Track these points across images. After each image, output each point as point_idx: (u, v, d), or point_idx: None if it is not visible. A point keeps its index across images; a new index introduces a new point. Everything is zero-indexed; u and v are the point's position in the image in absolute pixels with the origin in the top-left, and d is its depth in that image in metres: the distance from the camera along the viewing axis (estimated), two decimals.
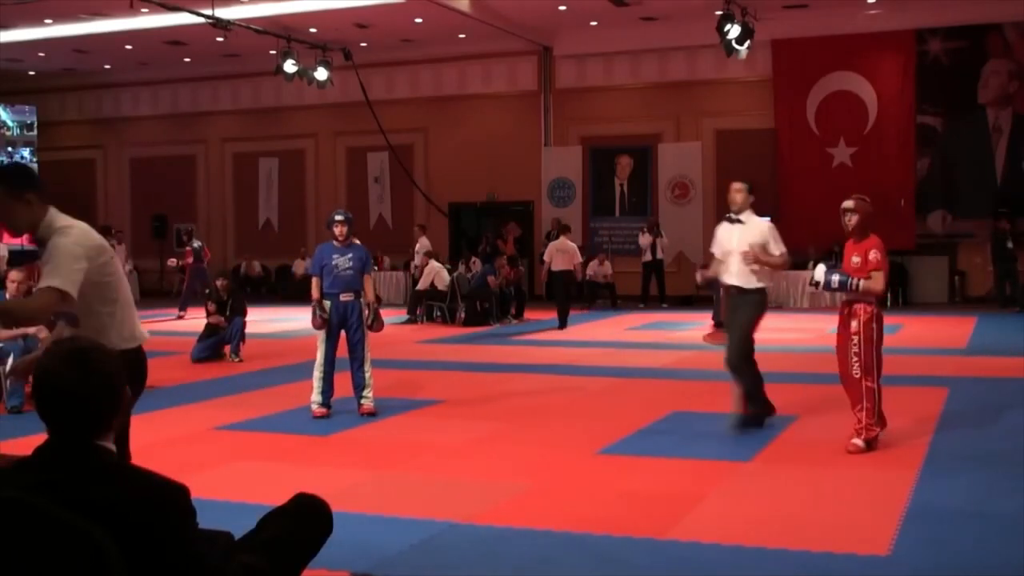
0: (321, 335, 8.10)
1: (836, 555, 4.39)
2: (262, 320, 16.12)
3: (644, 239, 18.43)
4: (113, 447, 2.53)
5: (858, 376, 6.45)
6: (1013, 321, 15.32)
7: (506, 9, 18.64)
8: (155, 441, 6.85)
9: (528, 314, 17.25)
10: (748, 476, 5.97)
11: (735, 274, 7.17)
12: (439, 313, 16.86)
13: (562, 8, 18.55)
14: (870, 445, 6.42)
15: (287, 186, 24.09)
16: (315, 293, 8.12)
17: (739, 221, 7.20)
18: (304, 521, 3.09)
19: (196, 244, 18.24)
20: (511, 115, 21.81)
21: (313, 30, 19.19)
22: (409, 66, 22.25)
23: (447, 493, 5.63)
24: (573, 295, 16.38)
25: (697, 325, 15.44)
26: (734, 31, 15.78)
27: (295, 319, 15.76)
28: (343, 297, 8.07)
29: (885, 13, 18.81)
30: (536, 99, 21.70)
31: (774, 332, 14.21)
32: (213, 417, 8.07)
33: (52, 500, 2.32)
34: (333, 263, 8.08)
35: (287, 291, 21.34)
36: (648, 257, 18.47)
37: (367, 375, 8.10)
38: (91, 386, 2.46)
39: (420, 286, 17.13)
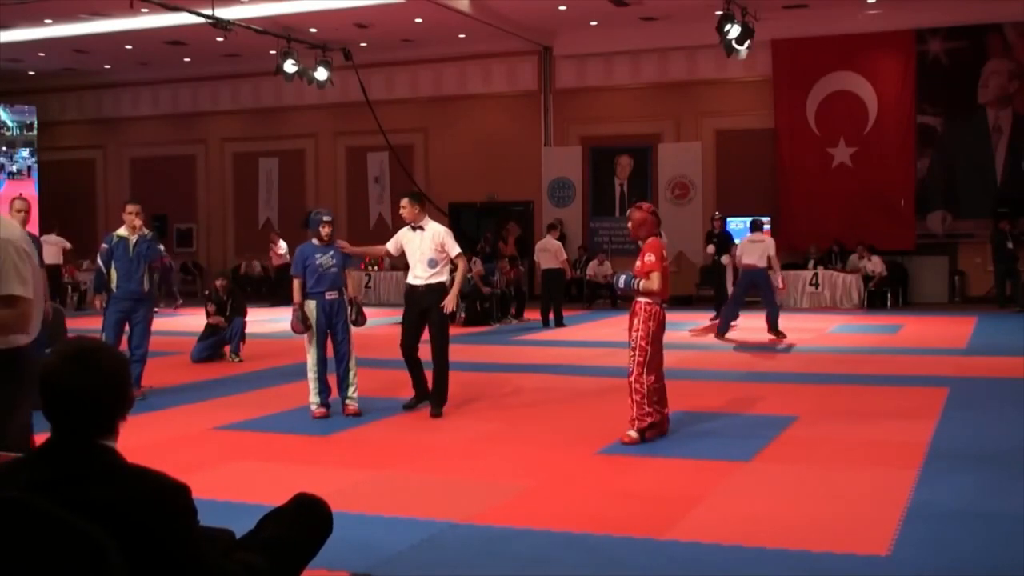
0: (308, 337, 8.08)
1: (836, 555, 4.39)
2: (262, 320, 16.11)
3: None
4: (116, 446, 2.53)
5: (631, 371, 6.77)
6: (1013, 321, 15.31)
7: (506, 9, 18.64)
8: (155, 441, 6.87)
9: (528, 314, 17.23)
10: (748, 476, 5.96)
11: None
12: None
13: (562, 8, 18.54)
14: (643, 435, 6.73)
15: (287, 186, 24.07)
16: (297, 297, 8.07)
17: None
18: (304, 521, 3.08)
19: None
20: (511, 115, 21.80)
21: (313, 30, 19.19)
22: (409, 66, 22.25)
23: (447, 493, 5.62)
24: (562, 293, 16.32)
25: (697, 325, 15.45)
26: (734, 31, 15.77)
27: None
28: (328, 295, 8.04)
29: (885, 13, 18.80)
30: (536, 99, 21.69)
31: None
32: (213, 417, 8.07)
33: (53, 500, 2.32)
34: (317, 262, 8.05)
35: (288, 292, 21.31)
36: None
37: (352, 374, 8.07)
38: (96, 385, 2.46)
39: None
